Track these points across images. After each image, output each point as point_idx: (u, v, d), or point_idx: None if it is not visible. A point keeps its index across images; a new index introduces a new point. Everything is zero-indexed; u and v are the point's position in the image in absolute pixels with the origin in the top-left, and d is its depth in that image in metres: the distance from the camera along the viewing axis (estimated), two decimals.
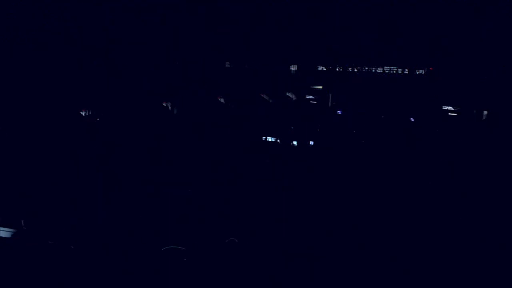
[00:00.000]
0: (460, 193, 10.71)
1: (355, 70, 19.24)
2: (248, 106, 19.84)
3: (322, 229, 8.79)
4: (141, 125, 16.16)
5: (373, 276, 7.15)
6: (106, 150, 13.53)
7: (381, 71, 18.74)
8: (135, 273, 6.89)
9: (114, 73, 17.04)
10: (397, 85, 18.36)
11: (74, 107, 15.95)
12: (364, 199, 10.44)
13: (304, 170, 13.25)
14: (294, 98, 20.29)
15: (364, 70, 19.06)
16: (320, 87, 19.72)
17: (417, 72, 18.06)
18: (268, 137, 16.26)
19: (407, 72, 18.24)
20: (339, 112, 19.28)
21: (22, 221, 8.30)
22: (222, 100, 20.53)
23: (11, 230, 8.06)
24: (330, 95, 19.65)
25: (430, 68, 17.76)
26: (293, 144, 15.85)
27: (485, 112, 16.39)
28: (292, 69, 20.70)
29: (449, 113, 17.45)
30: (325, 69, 19.80)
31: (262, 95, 20.54)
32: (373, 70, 18.88)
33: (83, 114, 16.21)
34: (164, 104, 18.81)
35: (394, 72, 18.49)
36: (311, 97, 20.13)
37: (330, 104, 19.66)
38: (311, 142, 15.82)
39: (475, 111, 16.60)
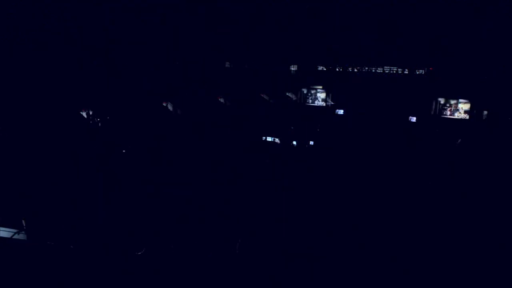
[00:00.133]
0: (460, 193, 10.71)
1: (355, 70, 19.26)
2: (248, 106, 19.85)
3: (322, 229, 8.79)
4: (141, 125, 16.17)
5: (373, 276, 7.15)
6: (106, 150, 13.53)
7: (381, 71, 18.76)
8: (135, 273, 6.89)
9: (114, 73, 17.03)
10: (397, 85, 18.38)
11: (74, 107, 15.94)
12: (364, 199, 10.44)
13: (304, 170, 13.24)
14: (294, 98, 20.30)
15: (364, 70, 19.08)
16: (320, 87, 19.74)
17: (417, 72, 18.08)
18: (268, 137, 16.26)
19: (407, 72, 18.26)
20: (339, 112, 19.30)
21: (23, 221, 8.30)
22: (222, 100, 20.54)
23: (11, 230, 8.06)
24: (330, 95, 19.68)
25: (430, 68, 17.78)
26: (293, 144, 15.84)
27: (485, 112, 16.41)
28: (292, 69, 20.72)
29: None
30: (325, 69, 19.82)
31: (262, 95, 20.55)
32: (373, 70, 18.90)
33: (83, 114, 16.19)
34: (164, 104, 18.81)
35: (394, 72, 18.51)
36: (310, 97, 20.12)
37: (330, 104, 19.68)
38: (311, 142, 15.81)
39: (475, 111, 16.61)
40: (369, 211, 9.74)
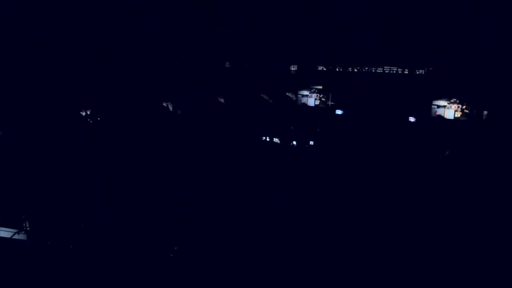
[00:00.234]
0: (460, 193, 10.70)
1: (355, 70, 19.25)
2: (248, 106, 19.84)
3: (322, 229, 8.79)
4: (141, 125, 16.17)
5: (373, 276, 7.15)
6: (106, 150, 13.53)
7: (381, 71, 18.74)
8: (135, 273, 6.89)
9: (114, 73, 17.04)
10: (397, 85, 18.37)
11: (74, 107, 15.95)
12: (364, 199, 10.44)
13: (304, 170, 13.24)
14: (294, 98, 20.30)
15: (364, 70, 19.07)
16: (320, 87, 19.72)
17: (417, 72, 18.07)
18: (267, 137, 16.26)
19: (407, 72, 18.25)
20: (339, 112, 19.29)
21: (23, 221, 8.30)
22: (222, 100, 20.53)
23: (11, 230, 8.06)
24: (330, 95, 19.66)
25: (430, 68, 17.77)
26: (293, 144, 15.84)
27: (485, 112, 16.39)
28: (292, 69, 20.71)
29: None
30: (325, 69, 19.81)
31: (262, 95, 20.54)
32: (373, 70, 18.88)
33: (83, 114, 16.20)
34: (164, 104, 18.81)
35: (394, 72, 18.50)
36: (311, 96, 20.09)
37: (330, 104, 19.66)
38: (311, 142, 15.80)
39: (475, 111, 16.59)
40: (369, 211, 9.74)
